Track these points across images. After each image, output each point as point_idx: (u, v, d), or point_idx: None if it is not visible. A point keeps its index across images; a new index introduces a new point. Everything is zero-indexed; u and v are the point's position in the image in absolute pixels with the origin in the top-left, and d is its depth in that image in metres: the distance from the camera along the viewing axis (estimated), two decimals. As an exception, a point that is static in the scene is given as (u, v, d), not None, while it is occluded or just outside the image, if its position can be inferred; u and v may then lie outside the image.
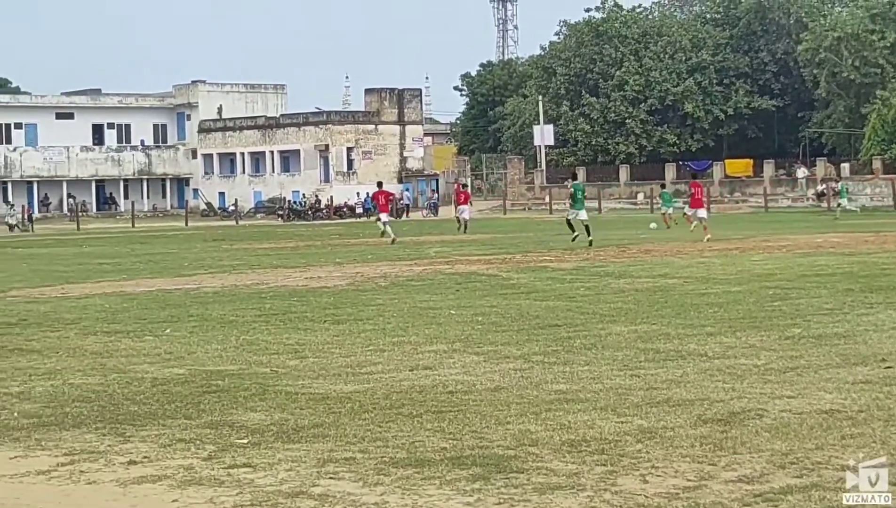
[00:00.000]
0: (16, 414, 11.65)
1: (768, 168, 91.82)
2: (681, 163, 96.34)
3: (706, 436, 9.65)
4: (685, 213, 49.10)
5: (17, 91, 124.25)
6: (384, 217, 47.43)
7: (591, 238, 37.50)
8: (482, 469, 8.79)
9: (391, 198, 56.43)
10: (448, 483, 8.50)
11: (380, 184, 51.91)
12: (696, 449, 9.24)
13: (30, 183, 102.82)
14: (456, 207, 58.59)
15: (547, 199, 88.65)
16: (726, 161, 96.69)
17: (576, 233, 37.72)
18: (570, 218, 39.63)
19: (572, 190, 40.47)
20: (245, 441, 10.11)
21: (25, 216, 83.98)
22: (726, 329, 16.21)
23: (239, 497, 8.35)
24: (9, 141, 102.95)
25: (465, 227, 52.75)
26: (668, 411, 10.70)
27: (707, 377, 12.39)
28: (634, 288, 22.53)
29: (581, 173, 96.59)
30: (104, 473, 9.24)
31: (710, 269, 26.57)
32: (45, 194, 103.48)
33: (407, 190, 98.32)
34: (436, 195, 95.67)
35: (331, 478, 8.77)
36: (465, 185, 66.29)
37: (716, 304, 19.23)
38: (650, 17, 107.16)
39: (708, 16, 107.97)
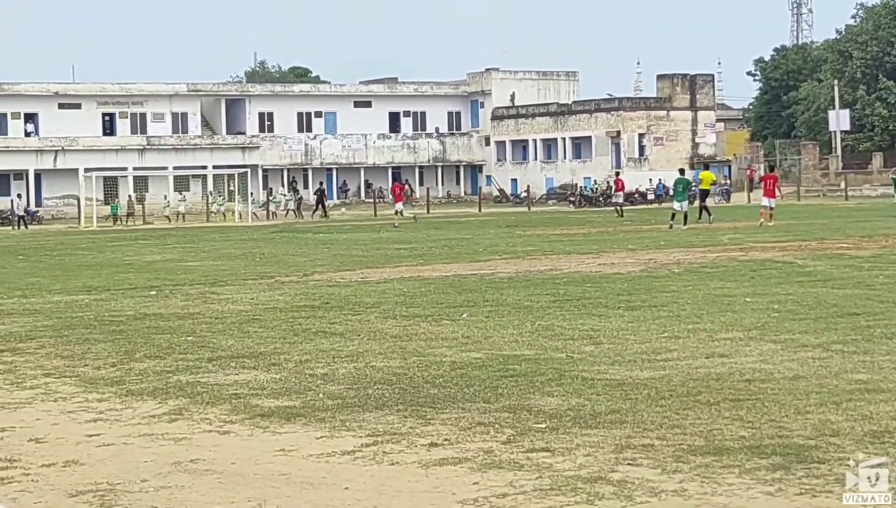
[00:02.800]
0: (321, 395, 11.97)
1: None
2: None
3: None
4: None
5: (317, 80, 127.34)
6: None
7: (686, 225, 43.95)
8: (782, 459, 8.65)
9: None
10: (748, 472, 8.39)
11: (772, 168, 53.45)
12: None
13: (329, 170, 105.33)
14: (394, 203, 64.98)
15: (842, 185, 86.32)
16: None
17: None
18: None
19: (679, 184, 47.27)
20: (543, 425, 10.17)
21: (296, 201, 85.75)
22: None
23: (538, 481, 8.40)
24: (309, 129, 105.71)
25: (401, 217, 59.42)
26: (976, 404, 10.32)
27: None
28: (937, 277, 21.78)
29: (877, 159, 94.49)
30: (406, 454, 9.41)
31: None
32: (344, 181, 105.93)
33: (698, 176, 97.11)
34: (728, 181, 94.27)
35: (629, 464, 8.75)
36: (405, 183, 70.81)
37: None
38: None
39: None
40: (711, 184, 57.72)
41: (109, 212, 79.77)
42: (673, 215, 45.54)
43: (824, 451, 8.86)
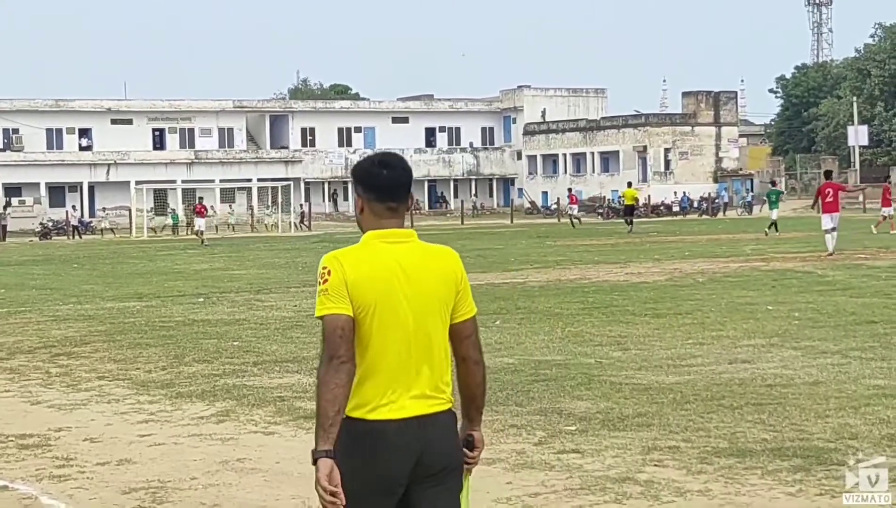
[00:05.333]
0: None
1: None
2: None
3: None
4: None
5: (356, 97, 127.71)
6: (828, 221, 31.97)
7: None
8: (803, 461, 8.64)
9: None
10: (769, 473, 8.38)
11: (828, 175, 44.16)
12: None
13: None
14: (194, 221, 62.72)
15: (860, 198, 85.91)
16: None
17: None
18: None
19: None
20: (573, 428, 10.17)
21: (301, 216, 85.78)
22: None
23: (569, 481, 8.42)
24: (349, 144, 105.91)
25: (203, 242, 55.72)
26: None
27: None
28: (953, 287, 21.66)
29: (895, 173, 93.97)
30: (443, 454, 9.42)
31: None
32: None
33: (724, 189, 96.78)
34: (750, 194, 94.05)
35: (655, 466, 8.76)
36: (201, 199, 66.41)
37: None
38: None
39: None
40: (635, 200, 61.60)
41: (169, 221, 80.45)
42: (772, 224, 46.69)
43: (843, 454, 8.83)
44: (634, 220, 57.91)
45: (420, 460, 4.61)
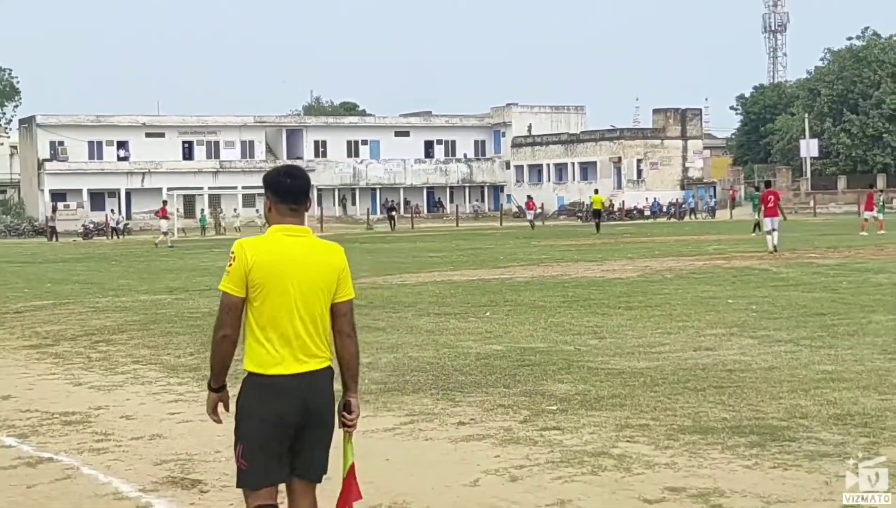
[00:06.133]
0: (366, 381, 11.95)
1: None
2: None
3: (961, 415, 9.22)
4: None
5: (363, 113, 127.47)
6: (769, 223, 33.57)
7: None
8: (759, 438, 8.63)
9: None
10: (729, 448, 8.38)
11: (767, 184, 41.56)
12: (952, 426, 8.85)
13: (373, 189, 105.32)
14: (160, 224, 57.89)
15: (811, 204, 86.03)
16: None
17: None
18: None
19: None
20: (554, 407, 10.16)
21: None
22: (978, 319, 15.44)
23: (550, 455, 8.41)
24: (357, 155, 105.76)
25: (167, 245, 52.88)
26: (925, 391, 10.27)
27: (961, 362, 11.84)
28: (892, 282, 21.65)
29: (842, 181, 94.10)
30: (438, 431, 9.42)
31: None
32: (386, 198, 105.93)
33: (690, 196, 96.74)
34: (713, 200, 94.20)
35: (628, 441, 8.75)
36: (165, 202, 62.73)
37: (968, 297, 18.33)
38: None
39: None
40: (602, 205, 62.33)
41: (199, 224, 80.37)
42: (757, 225, 44.61)
43: (795, 431, 8.83)
44: (602, 223, 58.27)
45: (307, 404, 5.30)
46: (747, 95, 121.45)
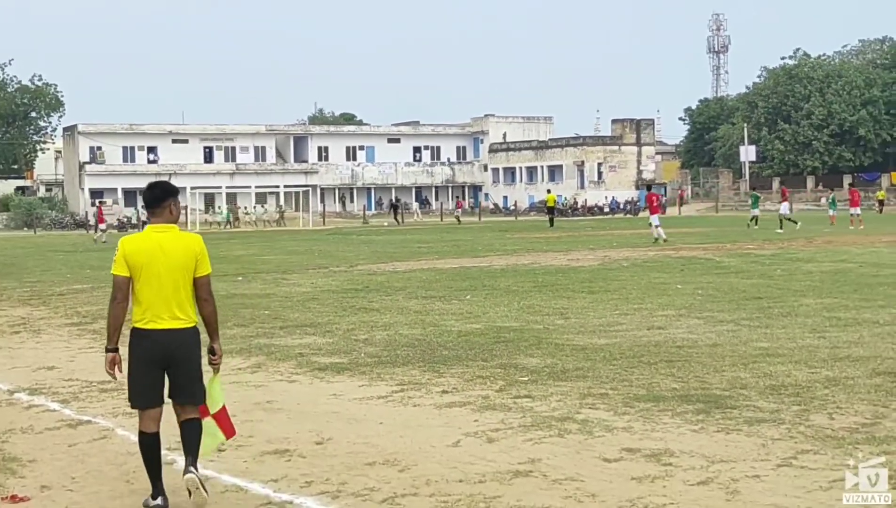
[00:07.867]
0: (363, 355, 11.96)
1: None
2: (855, 174, 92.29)
3: (880, 385, 9.23)
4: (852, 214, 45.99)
5: (360, 123, 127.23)
6: (656, 219, 35.44)
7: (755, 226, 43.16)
8: (704, 405, 8.62)
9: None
10: (678, 414, 8.36)
11: (649, 187, 41.80)
12: (872, 395, 8.85)
13: (368, 189, 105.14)
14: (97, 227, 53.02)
15: (749, 202, 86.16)
16: (893, 173, 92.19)
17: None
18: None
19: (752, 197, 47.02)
20: (526, 378, 10.14)
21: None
22: (895, 303, 15.46)
23: (522, 420, 8.39)
24: (354, 158, 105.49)
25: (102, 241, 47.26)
26: (848, 365, 10.27)
27: (879, 339, 11.85)
28: (820, 270, 21.70)
29: (776, 182, 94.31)
30: (425, 398, 9.40)
31: (881, 257, 25.38)
32: (380, 197, 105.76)
33: (643, 195, 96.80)
34: (664, 199, 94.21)
35: (590, 408, 8.73)
36: (102, 203, 61.28)
37: (886, 284, 18.36)
38: (832, 62, 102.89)
39: (878, 61, 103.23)
40: (555, 202, 62.38)
41: (223, 218, 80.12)
42: (754, 219, 45.29)
43: (735, 400, 8.82)
44: (557, 219, 58.78)
45: (172, 353, 6.32)
46: (694, 107, 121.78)
